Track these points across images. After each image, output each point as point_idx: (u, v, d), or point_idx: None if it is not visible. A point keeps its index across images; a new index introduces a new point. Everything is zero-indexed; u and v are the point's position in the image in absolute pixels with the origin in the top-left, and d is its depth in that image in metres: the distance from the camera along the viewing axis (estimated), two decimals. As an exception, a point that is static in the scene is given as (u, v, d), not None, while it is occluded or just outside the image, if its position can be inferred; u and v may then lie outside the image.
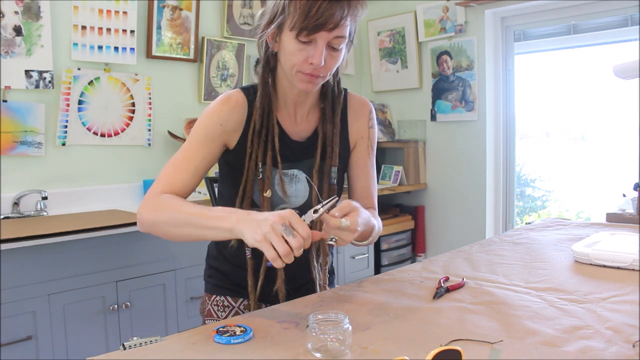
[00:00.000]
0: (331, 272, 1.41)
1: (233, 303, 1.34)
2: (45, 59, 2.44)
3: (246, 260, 1.26)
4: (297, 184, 1.26)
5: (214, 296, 1.36)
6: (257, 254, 1.24)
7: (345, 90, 1.34)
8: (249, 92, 1.25)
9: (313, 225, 1.02)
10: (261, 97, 1.22)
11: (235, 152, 1.24)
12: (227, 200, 1.28)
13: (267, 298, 1.28)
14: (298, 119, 1.28)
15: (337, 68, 1.22)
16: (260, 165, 1.22)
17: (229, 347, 0.91)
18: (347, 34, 1.14)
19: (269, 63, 1.22)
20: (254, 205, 1.24)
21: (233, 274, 1.33)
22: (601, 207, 2.90)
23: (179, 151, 1.22)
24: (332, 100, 1.29)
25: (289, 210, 0.98)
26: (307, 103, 1.27)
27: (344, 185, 1.37)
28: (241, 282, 1.30)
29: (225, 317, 1.34)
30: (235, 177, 1.25)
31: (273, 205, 1.25)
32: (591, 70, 3.23)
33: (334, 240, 1.05)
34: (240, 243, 1.25)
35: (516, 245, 1.62)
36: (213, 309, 1.35)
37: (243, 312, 1.32)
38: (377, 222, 1.25)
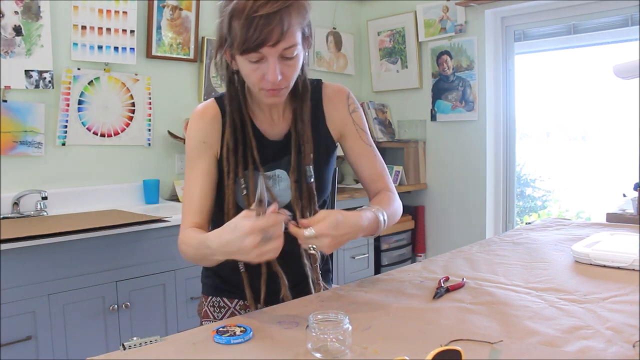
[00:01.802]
0: (327, 270, 1.40)
1: (229, 304, 1.34)
2: (45, 58, 2.44)
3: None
4: (281, 184, 1.26)
5: (210, 297, 1.36)
6: (251, 266, 1.22)
7: (319, 81, 1.32)
8: (223, 102, 1.26)
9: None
10: (230, 114, 1.23)
11: (220, 162, 1.25)
12: (217, 207, 1.28)
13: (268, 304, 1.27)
14: (275, 120, 1.29)
15: (302, 67, 1.20)
16: (242, 182, 1.22)
17: (229, 347, 0.91)
18: (297, 40, 1.10)
19: (233, 82, 1.24)
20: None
21: (230, 276, 1.33)
22: (601, 207, 2.90)
23: (185, 182, 1.27)
24: (302, 98, 1.28)
25: (250, 221, 0.96)
26: (280, 105, 1.27)
27: (336, 182, 1.36)
28: (237, 283, 1.29)
29: (222, 318, 1.34)
30: (222, 184, 1.26)
31: None
32: (591, 70, 3.23)
33: (312, 248, 1.05)
34: None
35: (516, 245, 1.62)
36: (209, 310, 1.36)
37: (239, 313, 1.32)
38: (388, 207, 1.21)
